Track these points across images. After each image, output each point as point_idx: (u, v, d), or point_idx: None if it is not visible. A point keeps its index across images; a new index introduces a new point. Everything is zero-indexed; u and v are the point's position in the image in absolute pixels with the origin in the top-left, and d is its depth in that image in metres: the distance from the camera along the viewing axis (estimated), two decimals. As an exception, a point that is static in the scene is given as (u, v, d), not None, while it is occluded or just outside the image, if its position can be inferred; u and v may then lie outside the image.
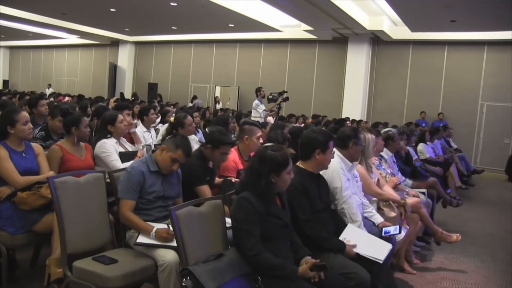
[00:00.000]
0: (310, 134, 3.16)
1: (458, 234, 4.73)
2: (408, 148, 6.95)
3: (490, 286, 4.25)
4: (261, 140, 4.09)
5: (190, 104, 15.68)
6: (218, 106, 16.98)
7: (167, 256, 2.70)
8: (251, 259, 2.40)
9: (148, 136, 5.61)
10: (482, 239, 5.84)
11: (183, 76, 19.05)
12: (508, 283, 4.41)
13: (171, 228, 2.71)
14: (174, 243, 2.59)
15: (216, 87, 18.45)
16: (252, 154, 4.03)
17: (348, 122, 10.05)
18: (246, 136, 4.08)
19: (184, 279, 2.28)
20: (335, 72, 15.67)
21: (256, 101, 9.71)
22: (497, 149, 13.43)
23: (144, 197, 3.02)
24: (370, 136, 4.21)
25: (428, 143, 8.50)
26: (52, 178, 2.83)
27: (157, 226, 2.91)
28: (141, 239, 2.85)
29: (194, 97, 17.08)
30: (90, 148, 3.87)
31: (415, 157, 7.16)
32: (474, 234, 5.94)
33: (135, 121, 5.62)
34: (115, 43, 20.39)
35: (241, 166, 3.97)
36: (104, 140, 3.98)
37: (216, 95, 18.20)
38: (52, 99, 11.75)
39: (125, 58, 20.34)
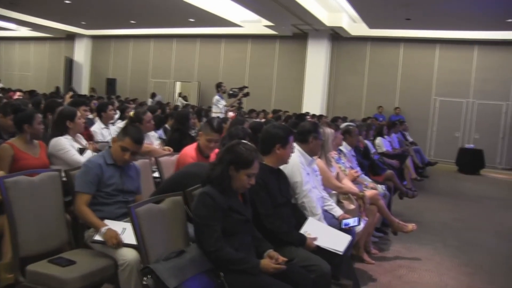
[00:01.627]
0: (270, 129, 3.16)
1: (413, 224, 4.87)
2: (366, 142, 7.08)
3: (442, 271, 4.42)
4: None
5: (150, 100, 15.43)
6: (182, 102, 16.82)
7: (127, 255, 2.63)
8: (212, 255, 2.37)
9: (106, 132, 5.46)
10: (436, 227, 6.04)
11: (142, 71, 18.69)
12: (458, 266, 4.61)
13: (123, 233, 2.66)
14: (134, 241, 2.52)
15: (176, 82, 18.23)
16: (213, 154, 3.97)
17: (308, 117, 10.13)
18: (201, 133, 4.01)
19: (145, 278, 2.24)
20: (295, 68, 15.77)
21: (217, 97, 9.65)
22: (449, 142, 13.94)
23: (103, 190, 2.95)
24: (329, 131, 4.25)
25: (385, 137, 8.70)
26: (2, 178, 2.69)
27: (114, 225, 2.84)
28: (100, 236, 2.77)
29: (154, 94, 16.80)
30: (44, 146, 3.72)
31: (373, 150, 7.31)
32: (428, 224, 6.13)
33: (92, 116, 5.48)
34: (71, 37, 19.68)
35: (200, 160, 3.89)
36: (58, 137, 3.84)
37: (180, 91, 18.03)
38: (1, 94, 11.18)
39: (81, 53, 19.70)
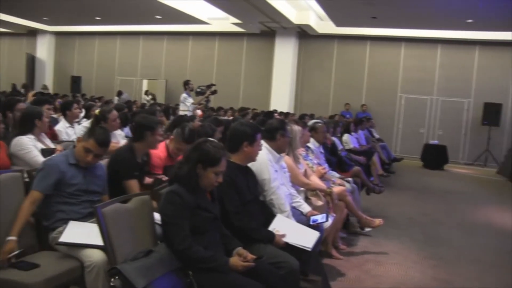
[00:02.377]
0: (237, 127, 3.16)
1: (380, 219, 4.99)
2: (334, 138, 7.18)
3: (408, 264, 4.53)
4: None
5: (117, 98, 15.18)
6: (147, 100, 16.62)
7: (94, 256, 2.58)
8: (181, 254, 2.36)
9: (71, 131, 5.34)
10: (402, 222, 6.18)
11: (108, 69, 18.35)
12: (423, 259, 4.73)
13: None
14: (101, 242, 2.48)
15: (143, 80, 18.00)
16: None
17: (276, 114, 10.18)
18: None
19: (112, 279, 2.20)
20: (263, 65, 15.81)
21: (184, 95, 9.58)
22: (414, 139, 14.27)
23: (65, 190, 2.89)
24: (297, 128, 4.29)
25: (352, 133, 8.83)
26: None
27: (79, 227, 2.76)
28: (65, 238, 2.69)
29: (120, 92, 16.51)
30: (4, 145, 3.60)
31: (340, 147, 7.41)
32: (395, 218, 6.26)
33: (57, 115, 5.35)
34: (33, 33, 19.07)
35: (167, 163, 3.85)
36: (20, 137, 3.73)
37: (146, 89, 17.81)
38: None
39: (44, 49, 19.15)
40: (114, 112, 4.93)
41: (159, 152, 3.86)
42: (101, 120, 4.70)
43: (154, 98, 17.13)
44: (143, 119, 3.61)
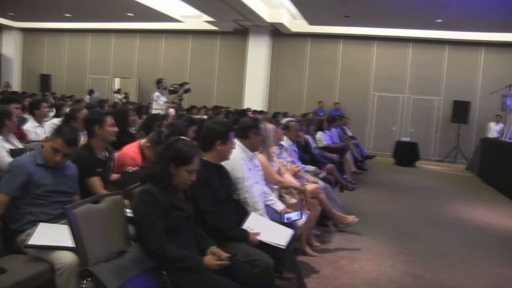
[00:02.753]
0: (211, 125, 3.16)
1: (353, 216, 5.05)
2: (307, 136, 7.23)
3: (381, 260, 4.60)
4: None
5: (88, 97, 14.92)
6: (120, 98, 16.40)
7: (65, 258, 2.53)
8: (154, 253, 2.35)
9: (40, 131, 5.23)
10: (375, 218, 6.27)
11: (79, 67, 18.02)
12: (395, 254, 4.81)
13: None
14: (72, 244, 2.44)
15: (115, 78, 17.76)
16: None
17: (250, 112, 10.19)
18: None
19: (84, 281, 2.17)
20: (236, 64, 15.81)
21: (157, 93, 9.50)
22: (386, 136, 14.51)
23: (34, 191, 2.83)
24: (270, 126, 4.31)
25: (325, 131, 8.92)
26: None
27: (49, 228, 2.71)
28: (34, 240, 2.63)
29: (92, 91, 16.25)
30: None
31: (313, 145, 7.47)
32: (368, 215, 6.34)
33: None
34: (-3, 28, 18.65)
35: (140, 164, 3.80)
36: (-13, 137, 3.64)
37: (118, 88, 17.57)
38: None
39: (10, 46, 18.66)
40: (84, 111, 4.85)
41: (131, 152, 3.81)
42: (71, 119, 4.62)
43: (126, 97, 16.91)
44: (89, 115, 3.57)
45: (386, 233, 5.59)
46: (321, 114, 13.97)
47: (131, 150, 3.82)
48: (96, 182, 3.29)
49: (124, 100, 15.66)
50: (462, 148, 13.67)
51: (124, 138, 4.37)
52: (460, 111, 13.58)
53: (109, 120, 3.53)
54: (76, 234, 2.34)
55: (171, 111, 9.48)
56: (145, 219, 2.38)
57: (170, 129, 4.11)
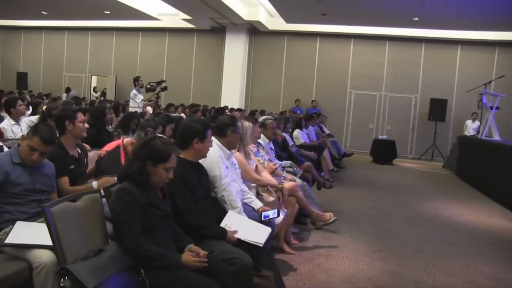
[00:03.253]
0: (188, 123, 3.17)
1: (331, 214, 5.11)
2: (284, 134, 7.28)
3: (358, 257, 4.67)
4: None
5: (65, 95, 14.72)
6: (96, 96, 16.22)
7: (43, 256, 2.53)
8: (132, 252, 2.36)
9: (17, 129, 5.17)
10: (352, 216, 6.37)
11: (56, 65, 17.77)
12: (372, 252, 4.90)
13: None
14: (49, 242, 2.42)
15: (93, 76, 17.58)
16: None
17: (227, 110, 10.20)
18: None
19: (62, 280, 2.17)
20: (214, 62, 15.81)
21: (134, 91, 9.46)
22: (363, 134, 14.69)
23: (11, 190, 2.82)
24: (247, 124, 4.33)
25: (303, 129, 8.98)
26: None
27: (27, 227, 2.70)
28: (12, 238, 2.62)
29: (68, 89, 16.02)
30: None
31: (291, 143, 7.53)
32: (345, 213, 6.43)
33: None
34: (-28, 27, 18.26)
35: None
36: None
37: (95, 86, 17.37)
38: None
39: (-14, 44, 18.34)
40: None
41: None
42: (48, 117, 4.59)
43: (103, 95, 16.73)
44: (59, 111, 3.54)
45: (364, 231, 5.68)
46: (298, 112, 14.07)
47: (110, 149, 3.79)
48: (64, 182, 3.26)
49: (101, 98, 15.49)
50: (439, 146, 13.89)
51: (101, 136, 4.35)
52: (437, 109, 13.78)
53: (80, 116, 3.50)
54: (53, 232, 2.34)
55: (149, 109, 9.43)
56: (123, 217, 2.39)
57: (142, 125, 4.11)
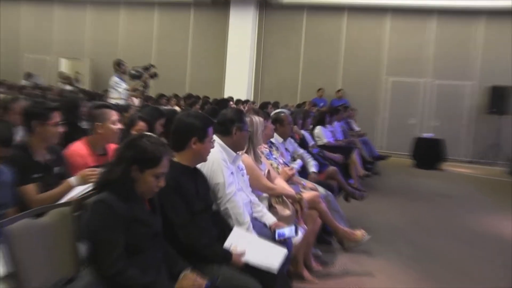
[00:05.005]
0: (184, 119, 3.18)
1: (362, 231, 5.09)
2: (303, 132, 7.28)
3: (397, 286, 4.64)
4: (119, 125, 3.99)
5: (25, 82, 14.77)
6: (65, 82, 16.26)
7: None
8: (112, 280, 2.35)
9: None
10: (388, 234, 6.33)
11: (12, 44, 17.60)
12: (414, 280, 4.85)
13: None
14: (7, 269, 2.43)
15: (61, 59, 17.61)
16: (110, 145, 3.93)
17: (232, 102, 10.21)
18: (97, 123, 3.95)
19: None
20: (215, 43, 15.82)
21: (115, 78, 9.45)
22: (403, 131, 14.57)
23: None
24: (257, 120, 4.32)
25: (326, 126, 8.97)
26: None
27: None
28: None
29: (29, 74, 16.05)
30: None
31: (311, 142, 7.52)
32: (379, 230, 6.38)
33: None
34: None
35: (92, 163, 3.81)
36: None
37: (61, 71, 17.37)
38: None
39: None
40: (22, 102, 4.83)
41: (79, 148, 3.81)
42: (3, 111, 4.61)
43: (71, 82, 16.75)
44: (30, 106, 3.54)
45: (403, 253, 5.65)
46: (321, 104, 14.04)
47: (79, 147, 3.81)
48: (29, 190, 3.25)
49: (71, 87, 15.51)
50: (503, 146, 13.63)
51: (74, 135, 4.36)
52: (500, 99, 13.47)
53: (56, 117, 3.50)
54: (11, 257, 2.33)
55: (134, 100, 9.46)
56: (101, 237, 2.38)
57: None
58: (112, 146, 3.91)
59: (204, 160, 3.21)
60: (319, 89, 15.04)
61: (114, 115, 4.01)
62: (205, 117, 3.28)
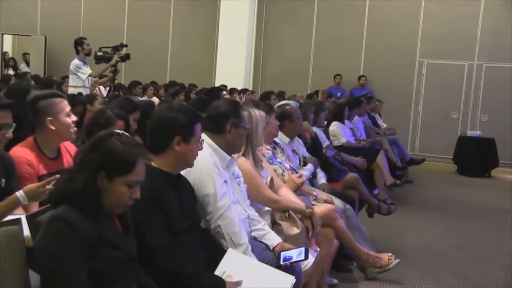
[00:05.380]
0: (164, 113, 3.18)
1: (390, 254, 5.11)
2: (316, 129, 7.28)
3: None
4: (73, 117, 3.96)
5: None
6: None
7: None
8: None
9: None
10: (424, 258, 6.33)
11: None
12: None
13: None
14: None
15: (5, 36, 17.62)
16: (64, 146, 3.92)
17: (225, 92, 10.22)
18: (49, 118, 3.93)
19: None
20: (204, 18, 15.86)
21: (76, 61, 9.44)
22: (443, 128, 14.58)
23: None
24: (258, 114, 4.33)
25: (345, 121, 8.97)
26: None
27: None
28: None
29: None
30: None
31: (326, 142, 7.52)
32: (412, 253, 6.40)
33: None
34: None
35: (43, 170, 3.80)
36: None
37: (5, 51, 17.43)
38: None
39: None
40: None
41: (24, 152, 3.79)
42: None
43: (15, 66, 16.74)
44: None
45: (445, 283, 5.65)
46: (339, 94, 14.06)
47: (23, 151, 3.79)
48: None
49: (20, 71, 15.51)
50: None
51: (25, 133, 4.36)
52: None
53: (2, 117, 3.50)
54: None
55: (100, 89, 9.44)
56: (58, 263, 2.36)
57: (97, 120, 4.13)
58: (68, 147, 3.91)
59: (190, 165, 3.21)
60: (336, 76, 15.06)
61: (66, 105, 3.99)
62: (191, 110, 3.28)
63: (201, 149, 3.26)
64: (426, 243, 7.00)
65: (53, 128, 3.80)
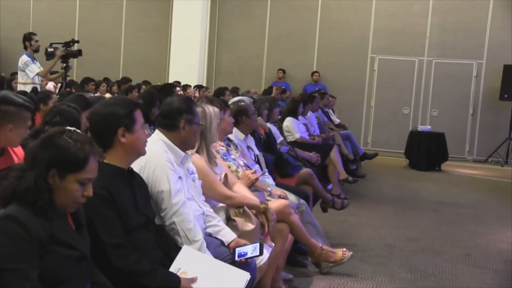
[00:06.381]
0: (101, 110, 3.15)
1: (344, 249, 5.15)
2: (270, 125, 7.29)
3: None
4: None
5: None
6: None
7: None
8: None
9: None
10: (378, 253, 6.38)
11: None
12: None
13: None
14: None
15: None
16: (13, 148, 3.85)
17: (178, 88, 10.18)
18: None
19: None
20: (157, 14, 15.77)
21: (25, 57, 9.30)
22: (394, 123, 14.76)
23: None
24: (212, 110, 4.33)
25: (299, 117, 9.00)
26: None
27: None
28: None
29: None
30: None
31: (280, 138, 7.54)
32: (366, 247, 6.45)
33: None
34: None
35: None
36: None
37: None
38: None
39: None
40: None
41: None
42: None
43: None
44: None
45: (396, 276, 5.70)
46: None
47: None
48: None
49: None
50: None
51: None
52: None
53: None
54: None
55: (50, 87, 9.31)
56: (8, 264, 2.31)
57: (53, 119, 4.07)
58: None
59: (142, 152, 3.18)
60: (279, 70, 15.12)
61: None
62: (126, 99, 3.30)
63: (147, 135, 3.24)
64: (379, 236, 7.08)
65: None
